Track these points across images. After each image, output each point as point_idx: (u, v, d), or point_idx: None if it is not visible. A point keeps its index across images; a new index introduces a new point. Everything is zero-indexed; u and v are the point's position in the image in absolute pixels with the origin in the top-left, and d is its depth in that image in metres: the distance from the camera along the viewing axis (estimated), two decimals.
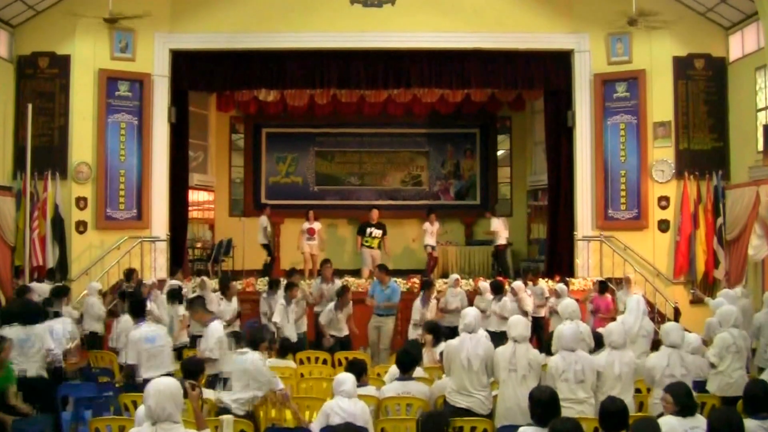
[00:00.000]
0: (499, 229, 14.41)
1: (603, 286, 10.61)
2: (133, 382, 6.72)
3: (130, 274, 10.94)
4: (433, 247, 14.17)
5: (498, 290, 10.47)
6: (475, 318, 6.35)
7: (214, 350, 6.90)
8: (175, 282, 10.66)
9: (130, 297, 8.65)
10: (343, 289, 10.07)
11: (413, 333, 9.98)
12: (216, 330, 7.07)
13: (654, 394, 6.09)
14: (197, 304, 7.74)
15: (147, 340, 6.80)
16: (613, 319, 9.48)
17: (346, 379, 5.56)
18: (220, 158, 17.33)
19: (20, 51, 12.59)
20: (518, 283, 10.62)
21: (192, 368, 5.76)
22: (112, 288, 11.64)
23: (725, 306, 7.38)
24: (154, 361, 6.77)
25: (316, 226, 13.87)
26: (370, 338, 10.49)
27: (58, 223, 12.30)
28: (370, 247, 13.49)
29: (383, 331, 10.43)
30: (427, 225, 14.23)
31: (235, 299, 9.98)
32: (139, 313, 7.25)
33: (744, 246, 11.65)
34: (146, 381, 6.24)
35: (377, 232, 13.51)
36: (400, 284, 11.67)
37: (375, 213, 13.76)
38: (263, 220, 14.43)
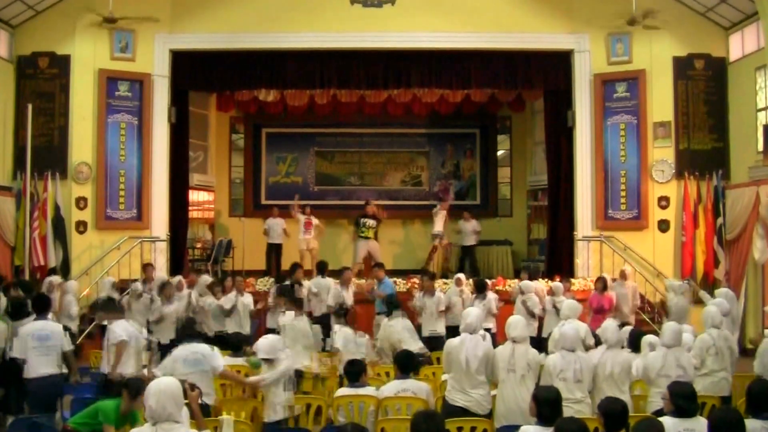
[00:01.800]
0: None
1: (604, 284, 10.60)
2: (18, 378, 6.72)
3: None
4: (439, 237, 14.08)
5: (481, 288, 10.41)
6: (477, 318, 6.35)
7: (111, 351, 6.90)
8: (207, 278, 10.92)
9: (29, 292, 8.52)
10: (343, 269, 10.41)
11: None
12: (114, 330, 6.97)
13: (649, 393, 6.10)
14: (110, 307, 7.72)
15: (38, 338, 6.85)
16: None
17: None
18: (220, 158, 17.33)
19: (20, 51, 12.60)
20: (527, 282, 10.61)
21: None
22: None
23: (707, 307, 7.36)
24: (44, 360, 6.82)
25: (314, 220, 13.90)
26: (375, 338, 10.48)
27: (60, 223, 12.29)
28: (366, 237, 13.44)
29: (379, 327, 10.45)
30: (437, 210, 14.22)
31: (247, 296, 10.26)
32: (42, 309, 7.24)
33: (744, 246, 11.66)
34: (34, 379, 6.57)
35: (372, 222, 13.50)
36: (400, 284, 11.69)
37: (371, 207, 13.74)
38: (280, 221, 14.41)
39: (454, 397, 6.02)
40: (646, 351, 6.57)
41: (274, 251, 14.43)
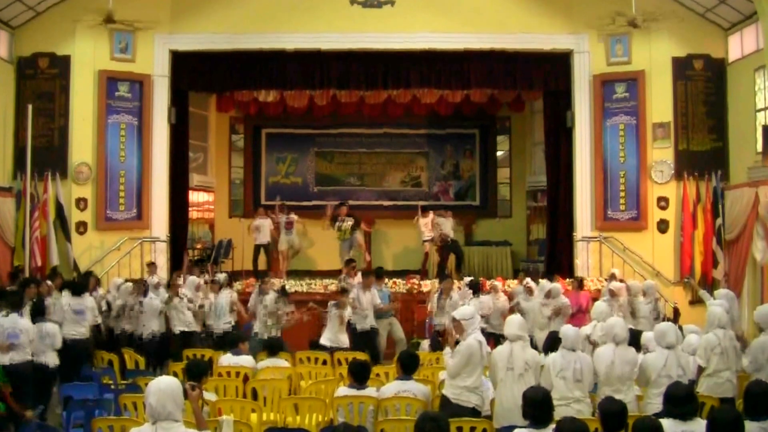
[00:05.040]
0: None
1: (580, 283, 10.82)
2: None
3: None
4: (430, 241, 14.03)
5: (477, 289, 10.43)
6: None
7: None
8: (222, 276, 11.07)
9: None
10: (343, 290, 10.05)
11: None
12: None
13: (648, 393, 6.11)
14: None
15: None
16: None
17: None
18: (219, 159, 17.35)
19: (20, 52, 12.60)
20: (520, 288, 10.69)
21: (196, 370, 5.75)
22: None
23: (711, 307, 7.33)
24: None
25: (294, 218, 13.91)
26: (380, 341, 10.47)
27: (65, 223, 12.30)
28: (344, 239, 13.54)
29: (396, 325, 10.48)
30: (417, 219, 14.14)
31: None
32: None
33: (743, 246, 11.66)
34: None
35: (346, 224, 13.47)
36: (399, 284, 11.74)
37: (343, 210, 13.74)
38: (268, 221, 14.28)
39: (469, 398, 5.94)
40: (645, 350, 6.59)
41: (263, 251, 14.36)
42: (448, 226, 14.10)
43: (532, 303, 10.24)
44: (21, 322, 7.48)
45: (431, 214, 14.15)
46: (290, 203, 15.09)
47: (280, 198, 14.53)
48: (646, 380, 6.07)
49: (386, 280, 11.19)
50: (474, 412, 5.86)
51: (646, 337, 6.81)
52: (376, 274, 10.80)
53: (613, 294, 10.17)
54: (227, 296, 10.26)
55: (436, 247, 14.12)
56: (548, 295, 10.12)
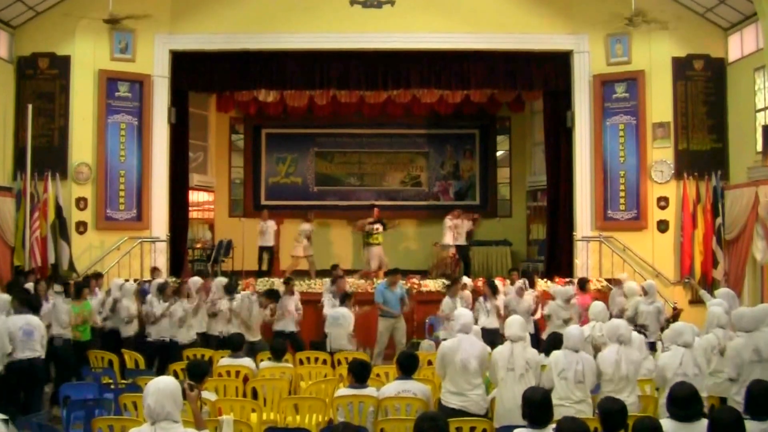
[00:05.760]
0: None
1: (586, 284, 10.81)
2: None
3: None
4: (447, 248, 14.08)
5: (496, 289, 10.52)
6: (471, 318, 6.44)
7: None
8: (223, 279, 10.91)
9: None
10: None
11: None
12: None
13: (664, 393, 6.08)
14: None
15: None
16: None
17: None
18: (219, 159, 17.35)
19: (20, 52, 12.61)
20: (512, 288, 10.73)
21: (197, 371, 5.75)
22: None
23: (711, 308, 7.34)
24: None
25: (312, 228, 14.06)
26: (382, 340, 10.50)
27: (64, 223, 12.30)
28: (377, 244, 13.61)
29: (401, 330, 10.53)
30: (451, 222, 14.11)
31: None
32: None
33: (743, 246, 11.67)
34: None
35: (381, 227, 13.64)
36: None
37: (376, 211, 13.84)
38: (272, 223, 14.36)
39: (449, 400, 6.01)
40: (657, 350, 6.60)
41: (267, 254, 14.38)
42: (463, 229, 14.18)
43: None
44: (33, 318, 7.54)
45: (460, 218, 14.18)
46: (290, 203, 15.12)
47: (310, 213, 14.55)
48: (663, 380, 6.03)
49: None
50: (460, 413, 5.84)
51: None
52: (392, 274, 10.94)
53: (618, 282, 10.42)
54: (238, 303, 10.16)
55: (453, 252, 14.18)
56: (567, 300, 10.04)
